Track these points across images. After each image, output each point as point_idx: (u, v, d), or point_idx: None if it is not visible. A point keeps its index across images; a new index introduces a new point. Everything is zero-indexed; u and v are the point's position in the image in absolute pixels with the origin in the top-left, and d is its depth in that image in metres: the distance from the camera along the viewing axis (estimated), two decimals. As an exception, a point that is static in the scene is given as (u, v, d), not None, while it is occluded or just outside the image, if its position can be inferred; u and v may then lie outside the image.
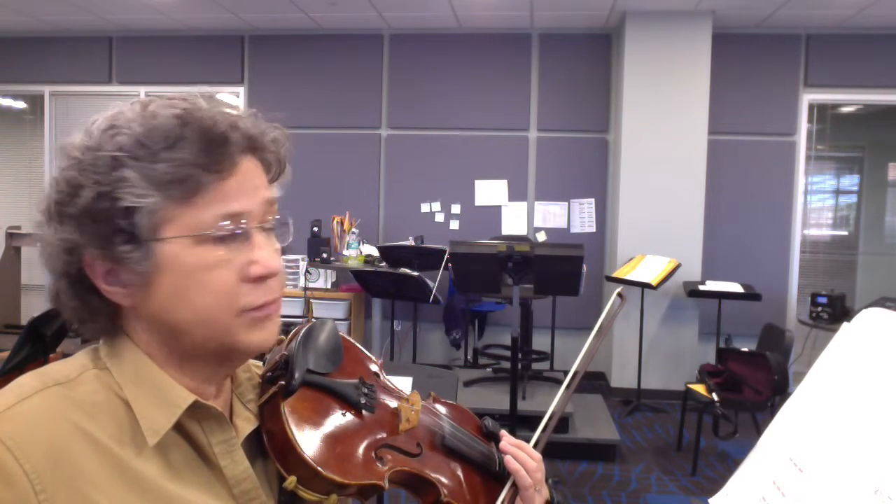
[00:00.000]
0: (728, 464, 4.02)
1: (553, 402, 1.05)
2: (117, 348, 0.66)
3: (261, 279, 0.66)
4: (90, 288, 0.64)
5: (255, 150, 0.67)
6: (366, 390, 0.80)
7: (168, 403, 0.64)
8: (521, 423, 3.07)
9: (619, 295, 1.20)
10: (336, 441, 0.73)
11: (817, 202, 6.39)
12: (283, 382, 0.73)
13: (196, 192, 0.62)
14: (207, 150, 0.62)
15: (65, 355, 0.68)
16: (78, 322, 0.67)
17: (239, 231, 0.65)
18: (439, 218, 5.81)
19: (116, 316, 0.66)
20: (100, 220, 0.61)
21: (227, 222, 0.64)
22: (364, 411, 0.78)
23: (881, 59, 5.37)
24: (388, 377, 0.88)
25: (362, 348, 0.88)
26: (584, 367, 1.09)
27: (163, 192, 0.61)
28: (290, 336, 0.79)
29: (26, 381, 0.61)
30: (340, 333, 0.84)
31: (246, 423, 0.72)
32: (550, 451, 4.01)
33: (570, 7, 5.16)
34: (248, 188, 0.66)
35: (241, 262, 0.65)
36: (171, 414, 0.63)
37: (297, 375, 0.73)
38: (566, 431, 4.03)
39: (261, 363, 0.82)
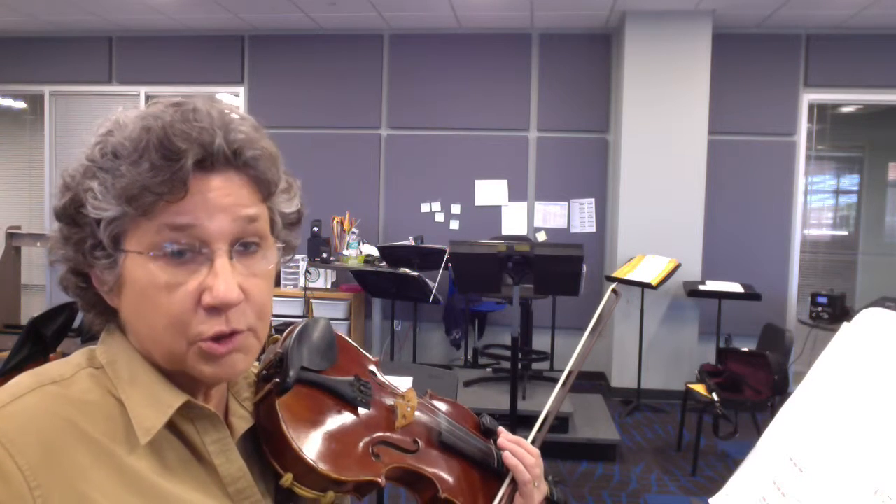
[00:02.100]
0: (728, 464, 4.02)
1: (549, 401, 1.06)
2: (114, 348, 0.67)
3: (211, 308, 0.62)
4: (87, 280, 0.66)
5: (231, 166, 0.64)
6: (361, 387, 0.80)
7: (160, 403, 0.64)
8: (521, 423, 3.06)
9: (614, 291, 1.21)
10: (332, 438, 0.73)
11: (817, 202, 6.39)
12: (277, 380, 0.73)
13: (149, 210, 0.60)
14: (158, 170, 0.59)
15: (65, 355, 0.69)
16: (84, 309, 0.69)
17: (191, 252, 0.62)
18: (439, 218, 5.81)
19: (112, 311, 0.68)
20: (72, 224, 0.63)
21: (172, 243, 0.61)
22: (360, 408, 0.78)
23: (881, 59, 5.37)
24: (384, 375, 0.88)
25: (358, 346, 0.88)
26: (580, 364, 1.09)
27: (121, 205, 0.61)
28: (284, 334, 0.79)
29: (21, 380, 0.62)
30: (335, 331, 0.84)
31: (241, 422, 0.72)
32: (551, 451, 4.01)
33: (570, 7, 5.16)
34: (214, 206, 0.62)
35: (195, 288, 0.62)
36: (162, 413, 0.63)
37: (291, 373, 0.73)
38: (566, 431, 4.03)
39: (257, 361, 0.82)
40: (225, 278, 0.62)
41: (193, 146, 0.61)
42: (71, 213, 0.63)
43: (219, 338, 0.63)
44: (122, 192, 0.60)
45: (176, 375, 0.66)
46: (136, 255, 0.62)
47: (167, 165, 0.60)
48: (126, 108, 0.66)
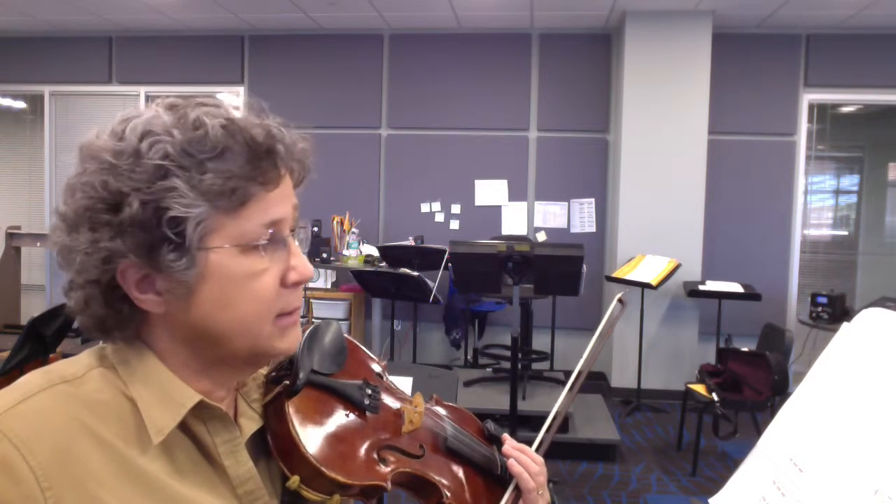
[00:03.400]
0: (728, 464, 4.02)
1: (556, 405, 1.06)
2: (126, 349, 0.66)
3: (296, 285, 0.68)
4: (121, 296, 0.63)
5: (288, 159, 0.68)
6: (369, 391, 0.80)
7: (173, 403, 0.64)
8: (522, 424, 3.07)
9: (620, 301, 1.20)
10: (339, 441, 0.73)
11: (817, 202, 6.39)
12: (287, 382, 0.73)
13: (244, 203, 0.63)
14: (255, 162, 0.63)
15: (64, 355, 0.68)
16: (101, 331, 0.65)
17: (279, 239, 0.66)
18: (439, 218, 5.81)
19: (144, 324, 0.66)
20: (146, 229, 0.60)
21: (270, 231, 0.65)
22: (367, 412, 0.78)
23: (881, 59, 5.37)
24: (391, 379, 0.88)
25: (366, 350, 0.88)
26: (586, 370, 1.09)
27: (210, 202, 0.61)
28: None
29: (32, 379, 0.61)
30: (345, 335, 0.84)
31: (250, 423, 0.72)
32: (550, 451, 3.99)
33: (570, 7, 5.16)
34: (285, 196, 0.67)
35: (281, 269, 0.67)
36: (175, 413, 0.64)
37: (301, 376, 0.73)
38: (566, 431, 4.03)
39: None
40: (303, 258, 0.69)
41: (276, 143, 0.65)
42: (148, 219, 0.59)
43: (291, 312, 0.69)
44: (219, 186, 0.61)
45: (211, 370, 0.67)
46: (226, 248, 0.63)
47: (259, 157, 0.63)
48: (130, 109, 0.65)
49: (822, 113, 5.71)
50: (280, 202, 0.66)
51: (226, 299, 0.64)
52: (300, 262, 0.68)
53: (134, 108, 0.65)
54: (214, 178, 0.60)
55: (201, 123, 0.61)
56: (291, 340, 0.70)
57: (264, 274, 0.65)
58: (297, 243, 0.70)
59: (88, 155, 0.62)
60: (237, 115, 0.65)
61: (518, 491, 0.92)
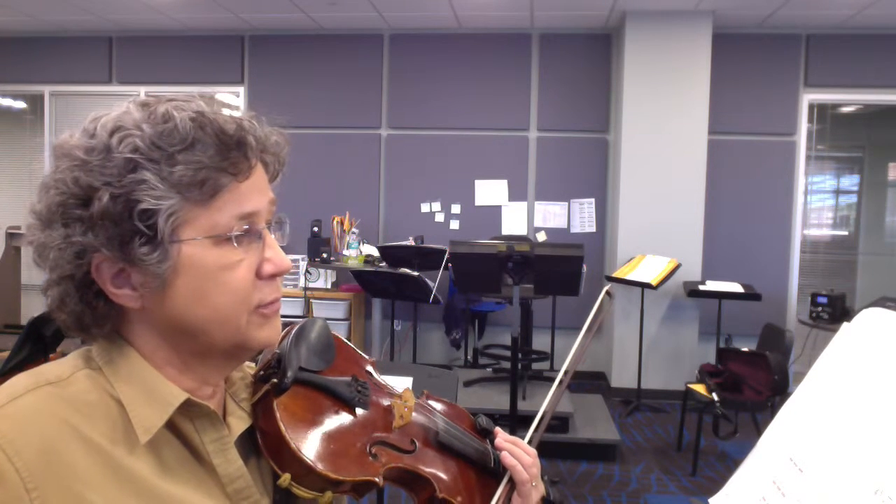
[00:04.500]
0: (728, 464, 4.02)
1: (545, 401, 1.06)
2: (110, 349, 0.66)
3: (272, 277, 0.68)
4: (97, 292, 0.63)
5: (260, 151, 0.68)
6: (359, 388, 0.80)
7: (160, 402, 0.64)
8: (522, 424, 3.06)
9: (608, 293, 1.21)
10: (329, 438, 0.73)
11: (817, 202, 6.39)
12: (275, 380, 0.73)
13: (215, 194, 0.63)
14: (225, 153, 0.63)
15: (64, 356, 0.68)
16: (79, 328, 0.65)
17: (254, 231, 0.66)
18: (439, 218, 5.81)
19: (120, 319, 0.66)
20: (117, 222, 0.60)
21: (244, 223, 0.65)
22: (357, 408, 0.78)
23: (881, 59, 5.37)
24: (381, 376, 0.88)
25: (354, 347, 0.88)
26: (575, 365, 1.09)
27: (181, 193, 0.61)
28: (282, 335, 0.80)
29: (18, 381, 0.61)
30: (332, 332, 0.84)
31: (239, 422, 0.72)
32: (551, 451, 4.01)
33: (570, 7, 5.16)
34: (259, 188, 0.67)
35: (255, 261, 0.67)
36: (163, 412, 0.63)
37: (289, 373, 0.73)
38: (566, 431, 4.03)
39: (253, 363, 0.82)
40: (279, 250, 0.69)
41: (246, 134, 0.65)
42: (119, 212, 0.60)
43: (270, 304, 0.69)
44: (189, 178, 0.60)
45: (194, 366, 0.67)
46: (199, 240, 0.63)
47: (229, 148, 0.63)
48: (120, 104, 0.65)
49: (822, 113, 5.71)
50: (254, 194, 0.66)
51: (200, 291, 0.64)
52: (275, 254, 0.68)
53: (111, 106, 0.66)
54: (185, 169, 0.60)
55: (170, 116, 0.62)
56: (271, 331, 0.69)
57: (238, 266, 0.65)
58: (272, 236, 0.69)
59: (61, 153, 0.63)
60: (207, 108, 0.64)
61: (512, 483, 0.92)
